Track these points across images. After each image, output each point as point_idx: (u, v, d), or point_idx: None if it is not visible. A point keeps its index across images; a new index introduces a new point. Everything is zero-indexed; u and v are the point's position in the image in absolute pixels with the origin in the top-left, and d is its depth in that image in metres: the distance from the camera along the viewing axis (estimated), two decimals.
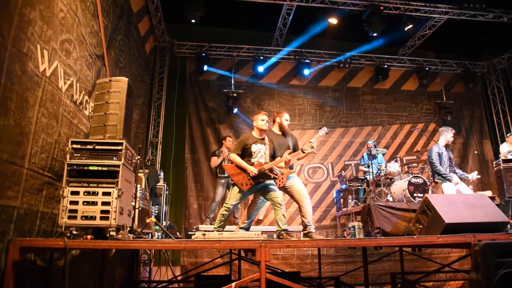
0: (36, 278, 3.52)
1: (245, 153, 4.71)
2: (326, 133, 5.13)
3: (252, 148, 4.68)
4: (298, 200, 4.81)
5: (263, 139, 4.77)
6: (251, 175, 4.54)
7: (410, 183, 6.75)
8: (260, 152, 4.68)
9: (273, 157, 4.77)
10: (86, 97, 4.64)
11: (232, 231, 4.97)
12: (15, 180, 3.14)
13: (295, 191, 4.83)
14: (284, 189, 4.88)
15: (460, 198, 4.70)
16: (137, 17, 7.38)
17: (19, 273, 3.02)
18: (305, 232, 4.70)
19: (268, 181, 4.64)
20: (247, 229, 4.97)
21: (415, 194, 6.65)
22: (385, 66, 10.03)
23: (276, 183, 4.73)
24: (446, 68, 10.53)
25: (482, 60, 10.68)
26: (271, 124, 5.18)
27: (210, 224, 7.17)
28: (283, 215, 4.51)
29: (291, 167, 4.94)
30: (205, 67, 9.25)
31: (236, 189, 4.67)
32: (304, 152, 4.67)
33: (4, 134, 2.97)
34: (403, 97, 10.34)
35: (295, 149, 4.93)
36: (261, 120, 4.73)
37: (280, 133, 5.10)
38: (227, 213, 4.64)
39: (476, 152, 10.00)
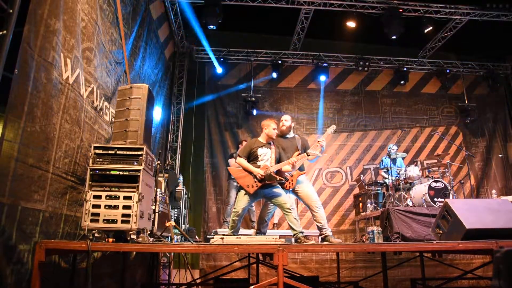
0: (61, 279, 3.63)
1: (251, 157, 4.75)
2: (335, 131, 5.10)
3: (258, 152, 4.72)
4: (308, 205, 4.80)
5: (270, 144, 4.83)
6: (257, 177, 4.56)
7: (430, 188, 6.65)
8: (266, 155, 4.71)
9: (279, 161, 4.78)
10: (106, 103, 4.76)
11: (250, 234, 4.99)
12: (40, 184, 3.26)
13: (304, 196, 4.82)
14: (294, 192, 4.89)
15: (482, 203, 4.60)
16: (157, 23, 7.52)
17: (45, 274, 3.13)
18: (322, 235, 4.69)
19: (275, 189, 4.63)
20: (264, 232, 5.00)
21: (435, 199, 6.54)
22: (405, 68, 9.92)
23: (286, 185, 4.75)
24: (468, 70, 10.32)
25: (506, 61, 10.42)
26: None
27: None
28: (295, 218, 4.51)
29: (301, 169, 4.94)
30: (219, 70, 9.36)
31: (243, 192, 4.65)
32: (309, 155, 4.72)
33: (31, 140, 3.09)
34: (423, 100, 10.19)
35: (304, 150, 4.95)
36: (272, 129, 4.78)
37: (286, 136, 5.14)
38: (237, 218, 4.62)
39: (500, 155, 9.76)
